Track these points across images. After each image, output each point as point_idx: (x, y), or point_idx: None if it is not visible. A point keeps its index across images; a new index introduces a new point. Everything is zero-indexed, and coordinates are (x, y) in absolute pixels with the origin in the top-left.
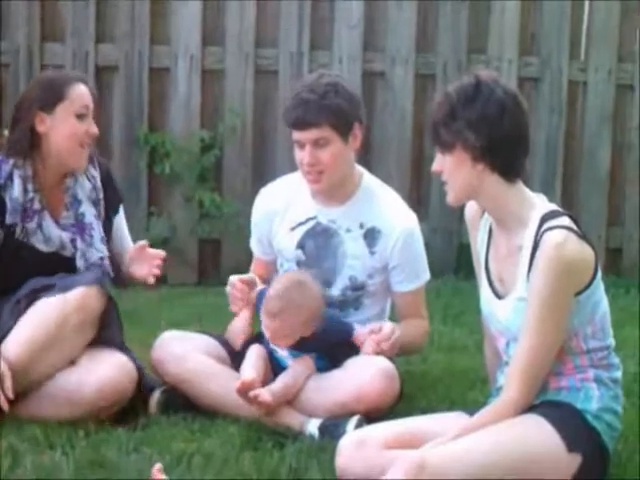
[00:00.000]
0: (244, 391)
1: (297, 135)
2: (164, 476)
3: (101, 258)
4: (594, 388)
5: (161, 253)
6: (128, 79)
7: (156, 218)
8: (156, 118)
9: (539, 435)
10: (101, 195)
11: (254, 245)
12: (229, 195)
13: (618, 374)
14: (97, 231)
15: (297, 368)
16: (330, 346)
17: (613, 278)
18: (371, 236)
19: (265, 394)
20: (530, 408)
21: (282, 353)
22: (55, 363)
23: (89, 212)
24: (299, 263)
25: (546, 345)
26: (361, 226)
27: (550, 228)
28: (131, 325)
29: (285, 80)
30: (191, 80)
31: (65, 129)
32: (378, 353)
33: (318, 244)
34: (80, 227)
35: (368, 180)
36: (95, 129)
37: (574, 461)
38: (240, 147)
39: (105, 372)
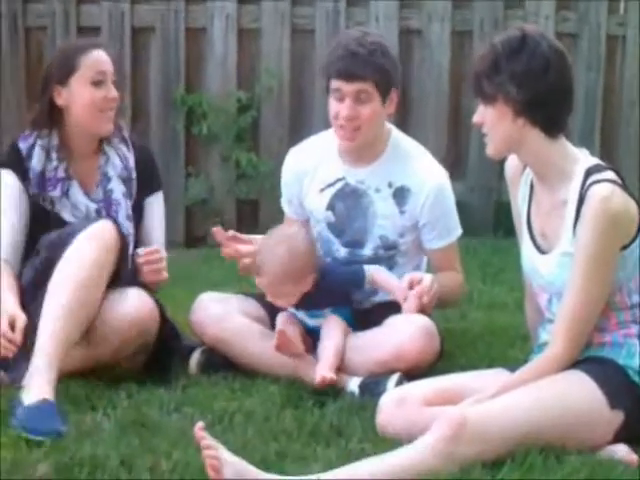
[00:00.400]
0: (283, 348)
1: (340, 85)
2: (206, 434)
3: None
4: (637, 344)
5: (160, 256)
6: (164, 40)
7: (194, 179)
8: (193, 79)
9: (581, 392)
10: (133, 175)
11: (285, 205)
12: (266, 155)
13: None
14: (123, 208)
15: (335, 333)
16: (343, 296)
17: None
18: (400, 195)
19: (329, 374)
20: (572, 364)
21: (301, 316)
22: (95, 300)
23: (118, 189)
24: (329, 224)
25: (592, 300)
26: (390, 185)
27: (596, 182)
28: (170, 286)
29: (321, 39)
30: (227, 40)
31: (82, 99)
32: (421, 309)
33: (347, 205)
34: (107, 202)
35: (396, 137)
36: (114, 93)
37: (616, 418)
38: (277, 107)
39: (124, 307)
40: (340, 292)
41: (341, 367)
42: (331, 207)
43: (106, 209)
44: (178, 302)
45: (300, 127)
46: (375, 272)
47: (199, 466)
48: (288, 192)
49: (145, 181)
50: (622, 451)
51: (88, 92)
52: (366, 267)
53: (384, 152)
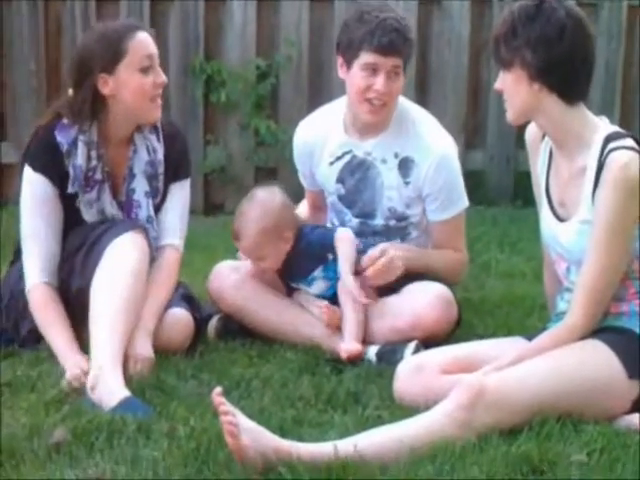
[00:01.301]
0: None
1: (376, 59)
2: (224, 400)
3: None
4: None
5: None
6: (184, 8)
7: (212, 146)
8: (212, 47)
9: (599, 361)
10: (160, 170)
11: (301, 178)
12: (285, 123)
13: None
14: (144, 209)
15: (350, 302)
16: (319, 257)
17: None
18: (405, 166)
19: (356, 347)
20: (590, 334)
21: (301, 288)
22: (139, 308)
23: (140, 188)
24: (340, 196)
25: (611, 268)
26: (396, 156)
27: (615, 149)
28: (189, 253)
29: (341, 9)
30: (247, 8)
31: (131, 87)
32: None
33: (356, 177)
34: (128, 203)
35: (403, 107)
36: (162, 77)
37: (634, 388)
38: (296, 75)
39: (167, 327)
40: (315, 254)
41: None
42: (341, 180)
43: (127, 211)
44: (196, 269)
45: (319, 95)
46: (340, 239)
47: (216, 432)
48: (300, 166)
49: (172, 168)
50: (638, 420)
51: (137, 79)
52: (338, 231)
53: (390, 123)
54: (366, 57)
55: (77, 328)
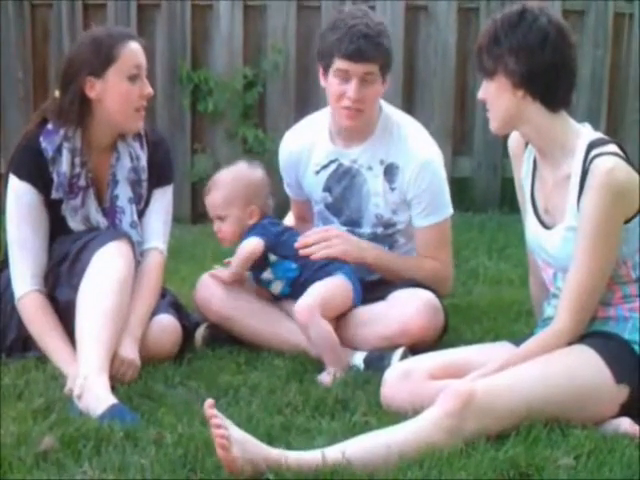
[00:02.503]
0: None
1: (347, 66)
2: (216, 412)
3: None
4: None
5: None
6: (170, 16)
7: (200, 155)
8: (199, 55)
9: (587, 366)
10: (144, 176)
11: (286, 188)
12: (272, 131)
13: None
14: (128, 215)
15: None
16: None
17: None
18: (390, 172)
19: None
20: (578, 339)
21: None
22: (125, 314)
23: (123, 195)
24: (327, 205)
25: (597, 273)
26: (381, 162)
27: (598, 155)
28: (176, 262)
29: (328, 16)
30: (233, 16)
31: (118, 93)
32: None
33: (343, 186)
34: (112, 209)
35: (387, 113)
36: (149, 89)
37: (622, 392)
38: (283, 83)
39: (154, 334)
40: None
41: (344, 341)
42: (327, 188)
43: (111, 217)
44: (183, 277)
45: (306, 103)
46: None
47: (203, 439)
48: (287, 175)
49: (155, 174)
50: (626, 424)
51: (124, 87)
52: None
53: (375, 130)
54: (337, 64)
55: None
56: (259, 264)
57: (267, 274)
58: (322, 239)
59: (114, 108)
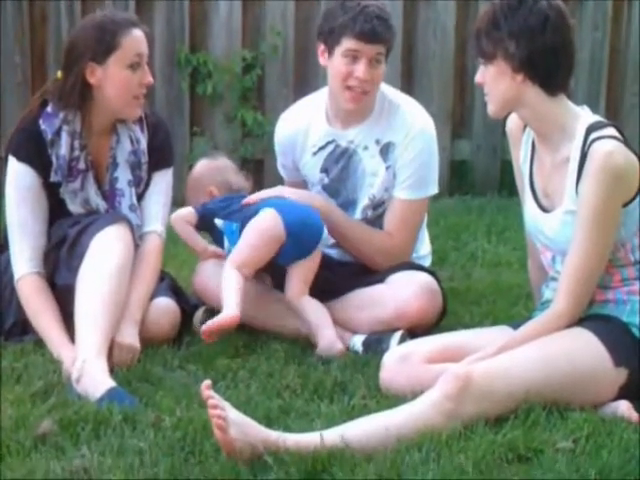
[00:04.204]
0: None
1: (359, 47)
2: (213, 393)
3: None
4: None
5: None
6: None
7: (199, 138)
8: (197, 38)
9: (586, 349)
10: (144, 159)
11: (280, 169)
12: (271, 114)
13: None
14: (127, 198)
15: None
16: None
17: None
18: (386, 150)
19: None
20: (576, 322)
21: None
22: (123, 298)
23: (123, 177)
24: (324, 186)
25: (596, 256)
26: (377, 142)
27: (597, 138)
28: (175, 246)
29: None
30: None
31: (117, 81)
32: None
33: (340, 166)
34: (111, 192)
35: (384, 93)
36: (149, 78)
37: (620, 375)
38: (282, 66)
39: (153, 317)
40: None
41: (343, 324)
42: (324, 169)
43: (110, 200)
44: (182, 261)
45: (305, 86)
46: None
47: (202, 422)
48: (282, 156)
49: (155, 158)
50: (623, 407)
51: (125, 75)
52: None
53: (372, 110)
54: (347, 44)
55: (63, 323)
56: (212, 230)
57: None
58: (268, 194)
59: (113, 95)
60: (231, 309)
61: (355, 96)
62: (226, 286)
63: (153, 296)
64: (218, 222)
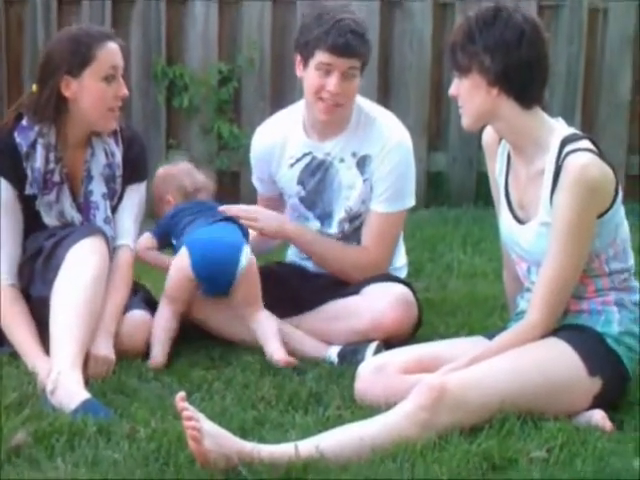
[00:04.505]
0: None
1: (332, 60)
2: (187, 405)
3: None
4: (615, 312)
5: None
6: (145, 11)
7: (175, 150)
8: (174, 51)
9: (560, 359)
10: (118, 173)
11: (256, 182)
12: (247, 126)
13: (638, 297)
14: (102, 211)
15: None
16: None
17: (633, 205)
18: (362, 163)
19: (290, 358)
20: (551, 332)
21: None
22: (99, 309)
23: (97, 190)
24: (301, 198)
25: (570, 267)
26: (354, 155)
27: (572, 151)
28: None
29: (303, 10)
30: (208, 12)
31: (93, 94)
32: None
33: (316, 179)
34: (86, 204)
35: (360, 106)
36: (124, 91)
37: (595, 385)
38: (258, 78)
39: (128, 329)
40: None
41: (318, 335)
42: (301, 182)
43: (85, 213)
44: (157, 274)
45: (282, 98)
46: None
47: (177, 434)
48: (258, 170)
49: (129, 171)
50: (597, 416)
51: (100, 88)
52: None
53: (349, 123)
54: (321, 57)
55: (38, 335)
56: (172, 245)
57: None
58: (245, 217)
59: (88, 107)
60: (157, 358)
61: (328, 107)
62: (155, 329)
63: (127, 309)
64: (174, 241)
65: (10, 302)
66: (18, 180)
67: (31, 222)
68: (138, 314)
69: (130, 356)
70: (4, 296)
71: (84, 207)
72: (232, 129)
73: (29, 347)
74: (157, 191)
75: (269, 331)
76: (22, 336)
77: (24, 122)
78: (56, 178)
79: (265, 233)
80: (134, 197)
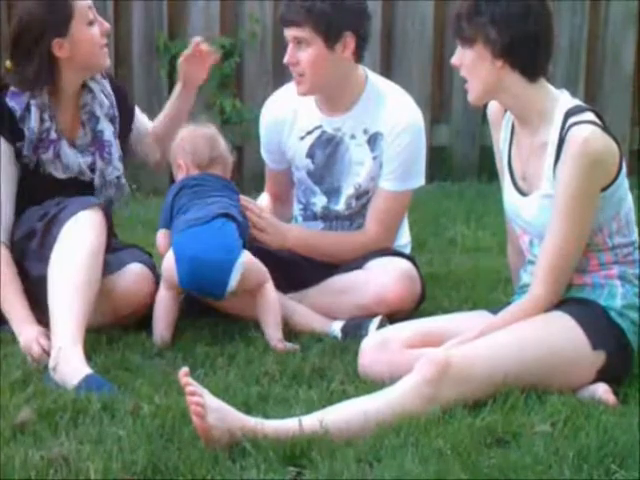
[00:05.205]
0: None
1: (284, 31)
2: (191, 380)
3: (117, 177)
4: (618, 285)
5: (214, 53)
6: None
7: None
8: (176, 25)
9: (564, 332)
10: (117, 113)
11: (264, 154)
12: (250, 101)
13: None
14: (115, 148)
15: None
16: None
17: (637, 179)
18: (374, 141)
19: (287, 344)
20: (555, 306)
21: None
22: (98, 280)
23: (108, 129)
24: (309, 172)
25: (573, 240)
26: (365, 132)
27: (576, 123)
28: (155, 233)
29: None
30: None
31: (85, 43)
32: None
33: (326, 153)
34: (99, 145)
35: (373, 82)
36: (106, 25)
37: (598, 358)
38: (260, 53)
39: (127, 282)
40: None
41: (322, 310)
42: (310, 155)
43: (99, 153)
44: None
45: (284, 72)
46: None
47: (181, 409)
48: (267, 141)
49: (125, 118)
50: (601, 390)
51: (89, 34)
52: None
53: (360, 99)
54: None
55: (37, 313)
56: None
57: None
58: (255, 223)
59: (83, 56)
60: (162, 338)
61: (296, 79)
62: (157, 311)
63: (124, 263)
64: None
65: (3, 261)
66: (14, 140)
67: (34, 181)
68: (136, 267)
69: (132, 313)
70: None
71: (98, 148)
72: (235, 103)
73: (17, 310)
74: (174, 150)
75: (269, 314)
76: (11, 297)
77: (12, 89)
78: (52, 136)
79: (266, 244)
80: (144, 122)
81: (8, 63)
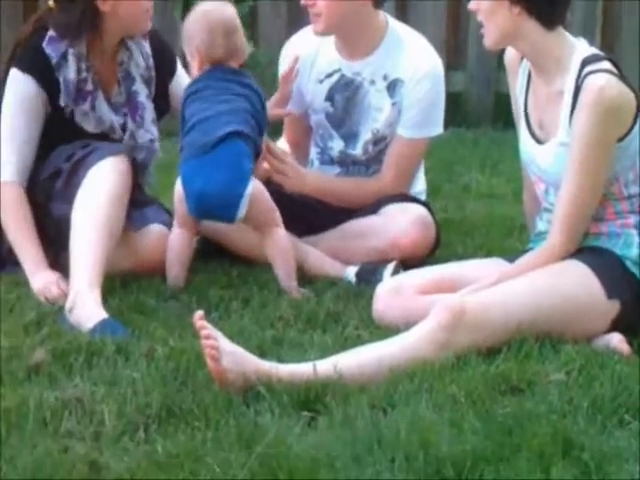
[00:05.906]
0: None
1: None
2: (206, 323)
3: (151, 140)
4: (634, 234)
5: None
6: None
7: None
8: None
9: (579, 281)
10: (153, 73)
11: None
12: (265, 45)
13: None
14: (149, 111)
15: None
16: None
17: None
18: (393, 87)
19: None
20: (570, 255)
21: None
22: (119, 229)
23: (142, 91)
24: (328, 115)
25: (589, 189)
26: (385, 78)
27: (592, 72)
28: (169, 176)
29: None
30: None
31: (129, 4)
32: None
33: (345, 97)
34: (133, 106)
35: (394, 28)
36: None
37: (613, 307)
38: None
39: (147, 243)
40: None
41: (336, 255)
42: (329, 98)
43: (131, 115)
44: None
45: (299, 16)
46: None
47: (195, 353)
48: None
49: (164, 68)
50: (616, 340)
51: None
52: None
53: (380, 44)
54: None
55: (57, 254)
56: None
57: None
58: (276, 168)
59: (127, 14)
60: (175, 280)
61: (312, 19)
62: (170, 252)
63: (144, 222)
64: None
65: (15, 199)
66: (47, 85)
67: (69, 131)
68: (158, 229)
69: (150, 272)
70: (10, 192)
71: (131, 109)
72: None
73: (29, 250)
74: (189, 32)
75: (280, 260)
76: (24, 237)
77: (51, 33)
78: (89, 87)
79: (286, 188)
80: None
81: (51, 2)
